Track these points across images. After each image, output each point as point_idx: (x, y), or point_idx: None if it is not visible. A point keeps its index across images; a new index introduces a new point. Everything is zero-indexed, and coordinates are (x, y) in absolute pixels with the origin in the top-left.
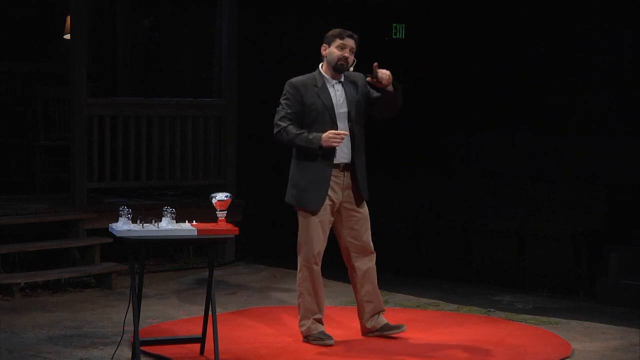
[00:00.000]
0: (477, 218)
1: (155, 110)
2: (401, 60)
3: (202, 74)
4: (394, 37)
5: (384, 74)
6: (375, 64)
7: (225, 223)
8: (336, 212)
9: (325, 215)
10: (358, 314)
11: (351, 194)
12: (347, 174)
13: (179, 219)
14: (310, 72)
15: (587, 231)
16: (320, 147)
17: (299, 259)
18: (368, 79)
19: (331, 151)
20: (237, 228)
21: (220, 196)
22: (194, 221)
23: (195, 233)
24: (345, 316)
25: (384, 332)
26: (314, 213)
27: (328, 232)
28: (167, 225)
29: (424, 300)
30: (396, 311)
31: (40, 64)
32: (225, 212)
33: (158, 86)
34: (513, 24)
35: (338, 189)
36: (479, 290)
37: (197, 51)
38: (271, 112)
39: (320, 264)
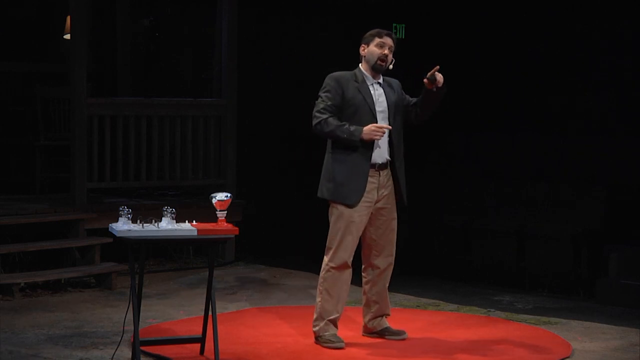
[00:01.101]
0: (477, 218)
1: (155, 110)
2: (401, 60)
3: (202, 74)
4: None
5: (440, 77)
6: (437, 67)
7: (225, 223)
8: None
9: (362, 216)
10: (362, 312)
11: (385, 193)
12: (383, 174)
13: (179, 219)
14: (308, 71)
15: (587, 231)
16: (361, 140)
17: (327, 259)
18: (425, 80)
19: (369, 146)
20: (237, 228)
21: (220, 196)
22: (194, 221)
23: (195, 233)
24: (346, 316)
25: (385, 336)
26: (351, 207)
27: (360, 234)
28: (167, 225)
29: (424, 300)
30: (396, 311)
31: (40, 64)
32: (225, 212)
33: (158, 86)
34: (513, 24)
35: (374, 189)
36: (479, 290)
37: (197, 51)
38: (271, 112)
39: (352, 268)
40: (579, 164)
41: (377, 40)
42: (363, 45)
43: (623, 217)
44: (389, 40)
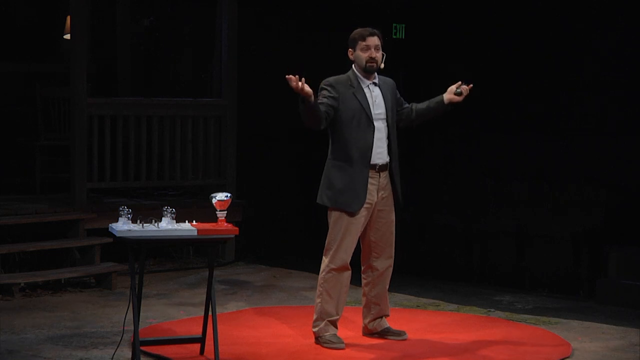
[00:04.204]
0: (477, 218)
1: (155, 110)
2: (401, 60)
3: (202, 74)
4: (394, 37)
5: (462, 98)
6: (471, 85)
7: (225, 223)
8: None
9: (362, 217)
10: (362, 313)
11: (385, 195)
12: (383, 175)
13: (179, 219)
14: (308, 70)
15: (587, 231)
16: (303, 98)
17: (326, 260)
18: (454, 88)
19: (367, 152)
20: (237, 228)
21: (220, 196)
22: (194, 221)
23: (195, 233)
24: (346, 317)
25: (385, 336)
26: (352, 215)
27: (359, 234)
28: (167, 225)
29: (424, 300)
30: (396, 311)
31: (41, 64)
32: (225, 212)
33: (158, 86)
34: (513, 23)
35: (374, 190)
36: (479, 290)
37: (197, 51)
38: (271, 112)
39: (351, 269)
40: (579, 164)
41: (361, 44)
42: (350, 49)
43: (623, 217)
44: (373, 40)
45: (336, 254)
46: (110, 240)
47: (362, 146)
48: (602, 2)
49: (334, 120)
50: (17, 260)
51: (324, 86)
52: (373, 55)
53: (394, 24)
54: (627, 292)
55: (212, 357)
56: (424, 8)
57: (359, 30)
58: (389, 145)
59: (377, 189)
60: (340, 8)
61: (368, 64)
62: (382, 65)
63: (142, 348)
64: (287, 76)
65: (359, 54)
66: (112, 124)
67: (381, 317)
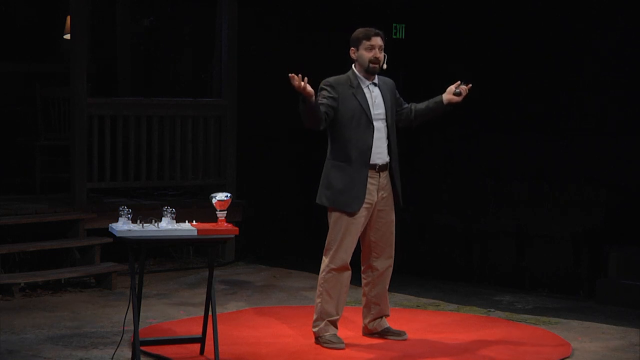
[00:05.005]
0: (477, 218)
1: (155, 110)
2: (401, 60)
3: (202, 74)
4: (394, 37)
5: (461, 98)
6: (470, 85)
7: (225, 223)
8: None
9: (362, 217)
10: (362, 313)
11: (385, 195)
12: (383, 175)
13: (179, 219)
14: (308, 70)
15: (587, 231)
16: (303, 98)
17: (326, 260)
18: (454, 89)
19: (367, 152)
20: (237, 228)
21: (220, 196)
22: (194, 221)
23: (195, 233)
24: (346, 317)
25: (385, 336)
26: (352, 215)
27: (359, 234)
28: (167, 225)
29: (424, 300)
30: (396, 311)
31: (41, 64)
32: (225, 212)
33: (158, 86)
34: (513, 23)
35: (374, 190)
36: (479, 290)
37: (197, 51)
38: (271, 112)
39: (351, 269)
40: (579, 164)
41: (365, 43)
42: (352, 48)
43: (623, 217)
44: (377, 41)
45: (336, 254)
46: (110, 240)
47: (361, 146)
48: (602, 2)
49: (334, 121)
50: (17, 260)
51: (324, 86)
52: (377, 55)
53: (394, 24)
54: (627, 292)
55: (212, 357)
56: (424, 8)
57: (363, 29)
58: (388, 145)
59: (377, 189)
60: (340, 8)
61: (371, 64)
62: (385, 66)
63: (142, 348)
64: (290, 74)
65: (363, 54)
66: (112, 124)
67: (381, 317)
